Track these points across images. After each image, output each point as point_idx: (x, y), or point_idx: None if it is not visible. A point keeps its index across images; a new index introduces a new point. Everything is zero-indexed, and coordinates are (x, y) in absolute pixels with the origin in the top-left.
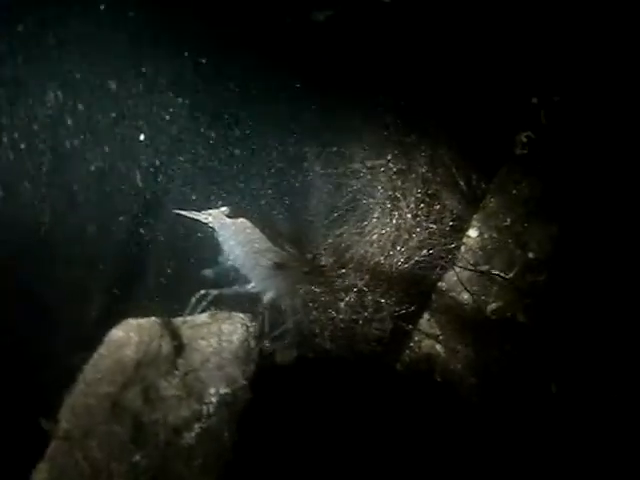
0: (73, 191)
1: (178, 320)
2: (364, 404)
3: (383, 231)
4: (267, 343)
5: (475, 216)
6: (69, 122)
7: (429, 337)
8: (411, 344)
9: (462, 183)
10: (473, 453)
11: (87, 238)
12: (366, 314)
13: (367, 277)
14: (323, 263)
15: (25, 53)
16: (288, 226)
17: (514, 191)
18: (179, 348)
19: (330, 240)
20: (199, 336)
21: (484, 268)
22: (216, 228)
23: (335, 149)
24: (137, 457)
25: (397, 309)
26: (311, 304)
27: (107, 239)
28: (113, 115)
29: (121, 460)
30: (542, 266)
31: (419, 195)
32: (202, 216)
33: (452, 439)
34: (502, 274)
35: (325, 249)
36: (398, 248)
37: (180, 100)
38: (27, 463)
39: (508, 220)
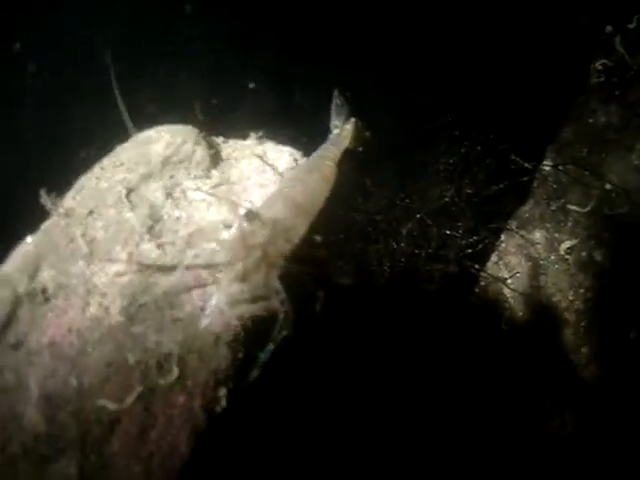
0: None
1: (219, 138)
2: (422, 347)
3: (450, 160)
4: None
5: (549, 147)
6: None
7: (497, 280)
8: (476, 289)
9: (536, 114)
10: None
11: None
12: (429, 250)
13: (431, 207)
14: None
15: None
16: None
17: (590, 120)
18: (215, 159)
19: (391, 167)
20: (241, 156)
21: (559, 202)
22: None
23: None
24: (147, 246)
25: (463, 247)
26: (370, 229)
27: None
28: None
29: (126, 245)
30: (621, 198)
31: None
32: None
33: (521, 395)
34: (578, 208)
35: (386, 173)
36: (466, 180)
37: None
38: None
39: (584, 150)
